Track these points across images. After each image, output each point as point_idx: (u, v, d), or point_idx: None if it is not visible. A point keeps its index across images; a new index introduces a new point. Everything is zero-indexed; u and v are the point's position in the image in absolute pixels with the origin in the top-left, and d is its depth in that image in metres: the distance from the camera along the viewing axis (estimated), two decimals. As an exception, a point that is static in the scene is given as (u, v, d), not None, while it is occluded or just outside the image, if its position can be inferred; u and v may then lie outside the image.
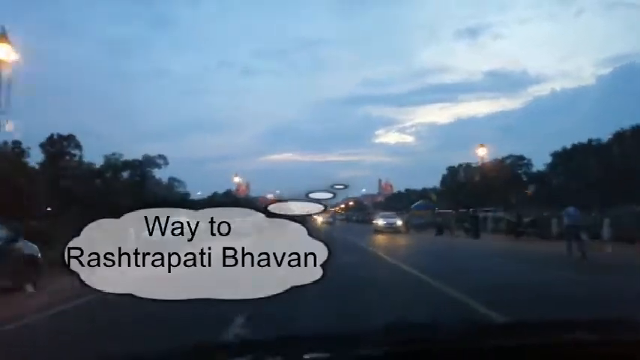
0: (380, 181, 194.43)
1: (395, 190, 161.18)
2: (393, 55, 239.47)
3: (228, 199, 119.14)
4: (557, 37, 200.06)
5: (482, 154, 48.24)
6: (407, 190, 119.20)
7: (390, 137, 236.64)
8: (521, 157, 73.37)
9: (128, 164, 78.23)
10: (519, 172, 72.64)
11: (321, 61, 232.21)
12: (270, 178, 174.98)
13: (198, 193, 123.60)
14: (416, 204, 68.41)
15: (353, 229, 49.35)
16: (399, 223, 40.61)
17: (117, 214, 2.95)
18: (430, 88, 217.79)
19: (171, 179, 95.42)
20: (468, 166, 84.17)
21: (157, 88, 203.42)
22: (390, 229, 38.40)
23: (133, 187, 75.23)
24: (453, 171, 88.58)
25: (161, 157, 79.83)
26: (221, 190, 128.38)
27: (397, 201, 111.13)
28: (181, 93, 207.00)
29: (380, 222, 40.80)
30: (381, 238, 32.91)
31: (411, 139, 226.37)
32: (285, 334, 1.96)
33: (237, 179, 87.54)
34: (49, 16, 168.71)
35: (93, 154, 63.06)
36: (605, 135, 52.25)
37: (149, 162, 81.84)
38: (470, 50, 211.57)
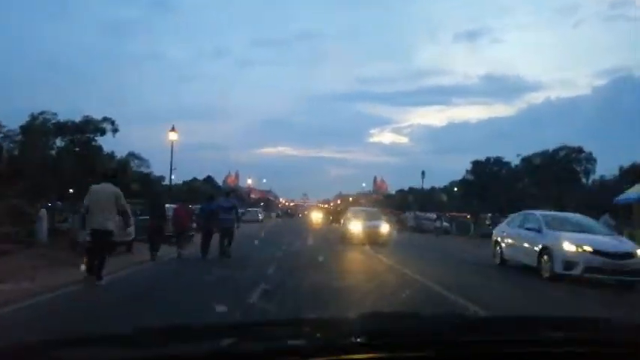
0: (375, 178, 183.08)
1: (389, 190, 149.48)
2: (391, 54, 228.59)
3: (206, 186, 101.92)
4: (555, 45, 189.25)
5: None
6: (410, 188, 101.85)
7: (384, 137, 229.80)
8: (578, 150, 54.97)
9: (61, 127, 58.54)
10: (577, 167, 54.52)
11: (319, 55, 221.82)
12: (261, 170, 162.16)
13: (173, 178, 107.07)
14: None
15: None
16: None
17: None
18: (426, 90, 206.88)
19: (131, 155, 76.08)
20: (499, 160, 67.71)
21: (151, 71, 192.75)
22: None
23: (62, 157, 55.53)
24: (479, 166, 70.17)
25: (107, 120, 60.84)
26: (200, 177, 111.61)
27: (394, 201, 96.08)
28: (175, 78, 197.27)
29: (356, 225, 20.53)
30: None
31: (405, 139, 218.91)
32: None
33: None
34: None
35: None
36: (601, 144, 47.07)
37: (89, 126, 61.52)
38: (467, 54, 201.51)
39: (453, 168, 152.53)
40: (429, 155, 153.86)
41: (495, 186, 65.81)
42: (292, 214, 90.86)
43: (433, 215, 38.78)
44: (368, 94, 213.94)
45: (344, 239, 20.17)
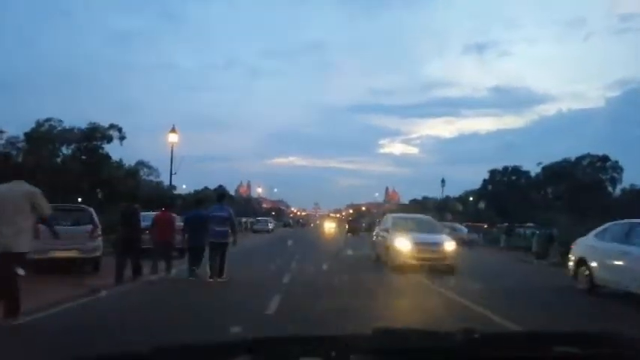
0: (387, 189, 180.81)
1: (401, 200, 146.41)
2: (400, 65, 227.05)
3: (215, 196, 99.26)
4: (565, 58, 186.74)
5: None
6: (424, 197, 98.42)
7: (394, 147, 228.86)
8: (603, 158, 51.54)
9: (66, 134, 56.35)
10: (603, 177, 50.88)
11: (328, 66, 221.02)
12: (273, 180, 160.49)
13: (184, 187, 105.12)
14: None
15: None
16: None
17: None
18: (435, 102, 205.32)
19: (140, 163, 73.62)
20: (517, 169, 64.62)
21: (161, 82, 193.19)
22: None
23: (67, 165, 53.35)
24: (497, 176, 66.99)
25: (114, 127, 58.42)
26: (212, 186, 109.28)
27: (409, 211, 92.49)
28: (185, 88, 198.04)
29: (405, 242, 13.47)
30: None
31: (415, 150, 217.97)
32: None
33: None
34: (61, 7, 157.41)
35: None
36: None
37: (96, 133, 58.99)
38: (476, 66, 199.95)
39: (464, 178, 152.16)
40: (438, 166, 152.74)
41: (513, 195, 62.39)
42: (304, 224, 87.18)
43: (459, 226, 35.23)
44: (378, 106, 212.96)
45: (383, 262, 14.18)
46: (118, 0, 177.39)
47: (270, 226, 44.13)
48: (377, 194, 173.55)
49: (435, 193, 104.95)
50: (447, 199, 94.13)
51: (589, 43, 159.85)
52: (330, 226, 65.75)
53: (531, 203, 60.17)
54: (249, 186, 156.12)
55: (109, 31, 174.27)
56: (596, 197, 46.53)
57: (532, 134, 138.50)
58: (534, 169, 64.54)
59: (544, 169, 57.26)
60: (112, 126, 54.97)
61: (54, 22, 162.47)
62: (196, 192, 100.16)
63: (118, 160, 58.78)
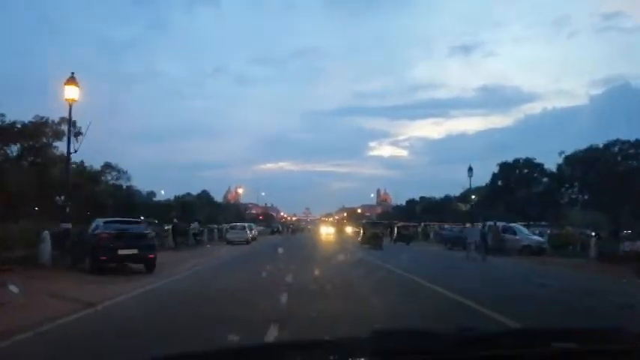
0: (379, 191, 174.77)
1: (393, 202, 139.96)
2: (387, 68, 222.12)
3: (200, 202, 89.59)
4: (550, 57, 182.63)
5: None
6: (421, 198, 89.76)
7: (383, 150, 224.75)
8: (637, 144, 42.58)
9: (5, 131, 46.74)
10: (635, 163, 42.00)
11: (316, 71, 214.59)
12: (262, 186, 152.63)
13: (162, 192, 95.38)
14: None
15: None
16: None
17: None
18: (423, 103, 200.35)
19: (107, 165, 63.80)
20: (530, 161, 56.22)
21: (150, 90, 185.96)
22: None
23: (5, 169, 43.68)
24: (507, 169, 58.18)
25: (65, 120, 48.82)
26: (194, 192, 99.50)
27: (403, 211, 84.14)
28: (173, 96, 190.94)
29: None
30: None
31: (404, 152, 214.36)
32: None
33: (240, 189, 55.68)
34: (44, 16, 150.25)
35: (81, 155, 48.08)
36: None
37: (44, 129, 48.98)
38: (463, 67, 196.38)
39: (453, 178, 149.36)
40: (428, 167, 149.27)
41: (529, 191, 53.88)
42: (295, 229, 76.35)
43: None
44: (366, 109, 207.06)
45: None
46: (107, 10, 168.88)
47: (250, 234, 33.29)
48: (372, 195, 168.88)
49: (426, 193, 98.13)
50: (446, 199, 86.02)
51: (573, 41, 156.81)
52: (327, 232, 56.26)
53: (551, 198, 51.76)
54: (237, 192, 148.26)
55: (95, 40, 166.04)
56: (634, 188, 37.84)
57: (519, 133, 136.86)
58: (548, 161, 56.26)
59: (567, 158, 48.29)
60: (62, 119, 45.58)
61: (43, 31, 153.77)
62: (177, 198, 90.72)
63: (76, 162, 49.46)
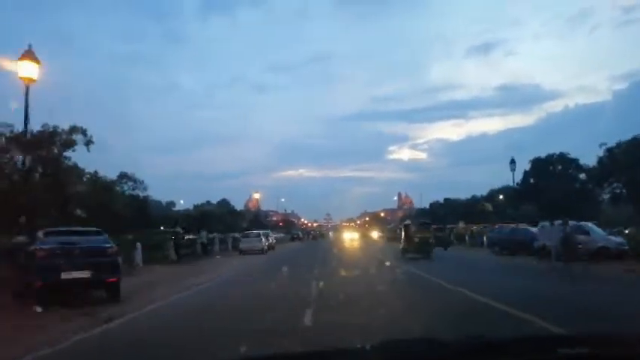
0: (400, 194, 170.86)
1: (415, 205, 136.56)
2: (404, 71, 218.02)
3: (220, 210, 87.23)
4: (571, 53, 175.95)
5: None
6: (446, 199, 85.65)
7: (403, 154, 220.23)
8: None
9: (13, 140, 43.19)
10: None
11: (333, 77, 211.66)
12: (283, 193, 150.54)
13: (181, 202, 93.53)
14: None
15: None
16: None
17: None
18: (442, 105, 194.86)
19: (123, 175, 61.52)
20: (564, 156, 52.16)
21: (168, 103, 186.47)
22: None
23: (26, 180, 40.41)
24: (540, 165, 54.00)
25: (76, 129, 46.55)
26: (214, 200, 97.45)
27: (428, 214, 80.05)
28: (191, 107, 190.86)
29: None
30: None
31: (424, 155, 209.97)
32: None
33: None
34: (64, 32, 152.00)
35: (102, 167, 46.19)
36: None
37: (54, 138, 45.84)
38: (482, 67, 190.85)
39: (473, 180, 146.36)
40: (448, 169, 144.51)
41: (561, 187, 49.66)
42: (316, 236, 72.40)
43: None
44: (384, 113, 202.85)
45: None
46: (122, 25, 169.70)
47: (266, 242, 29.05)
48: (394, 199, 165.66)
49: (447, 195, 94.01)
50: (473, 200, 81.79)
51: (593, 36, 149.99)
52: (351, 238, 52.35)
53: (590, 195, 47.44)
54: (256, 199, 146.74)
55: (114, 53, 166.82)
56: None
57: (541, 131, 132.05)
58: (583, 156, 51.94)
59: (608, 151, 43.85)
60: (73, 128, 43.32)
61: (58, 45, 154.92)
62: (196, 207, 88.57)
63: (91, 171, 47.26)
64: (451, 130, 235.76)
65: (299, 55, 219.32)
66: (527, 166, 55.20)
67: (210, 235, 27.67)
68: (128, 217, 54.05)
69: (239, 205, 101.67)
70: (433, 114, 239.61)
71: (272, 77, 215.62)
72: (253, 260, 20.93)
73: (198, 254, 22.48)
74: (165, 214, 76.70)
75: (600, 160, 44.46)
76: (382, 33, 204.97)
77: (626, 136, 39.69)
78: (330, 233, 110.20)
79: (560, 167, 54.56)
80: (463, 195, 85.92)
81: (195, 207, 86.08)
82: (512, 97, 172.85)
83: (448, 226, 53.51)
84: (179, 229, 22.24)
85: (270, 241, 33.42)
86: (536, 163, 53.64)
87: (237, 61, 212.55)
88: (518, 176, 59.03)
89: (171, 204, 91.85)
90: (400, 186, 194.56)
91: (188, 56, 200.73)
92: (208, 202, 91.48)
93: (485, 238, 29.51)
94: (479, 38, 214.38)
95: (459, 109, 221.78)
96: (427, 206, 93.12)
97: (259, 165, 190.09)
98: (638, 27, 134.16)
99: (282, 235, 68.81)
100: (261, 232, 31.14)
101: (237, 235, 35.15)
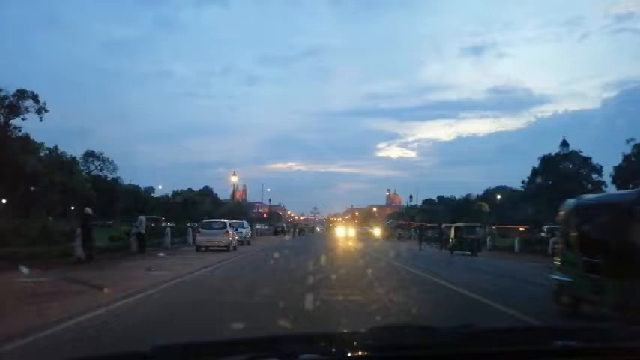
0: (388, 191, 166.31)
1: (402, 203, 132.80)
2: (397, 69, 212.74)
3: (200, 198, 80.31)
4: (562, 59, 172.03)
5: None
6: (438, 197, 79.93)
7: (392, 152, 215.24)
8: None
9: None
10: None
11: (325, 72, 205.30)
12: (271, 186, 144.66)
13: (159, 187, 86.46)
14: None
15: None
16: None
17: None
18: (433, 105, 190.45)
19: (90, 154, 54.85)
20: (576, 154, 46.93)
21: (158, 90, 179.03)
22: None
23: None
24: (550, 163, 48.17)
25: (24, 93, 39.94)
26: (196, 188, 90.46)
27: (425, 212, 74.22)
28: (183, 97, 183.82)
29: None
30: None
31: (413, 154, 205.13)
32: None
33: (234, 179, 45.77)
34: (51, 16, 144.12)
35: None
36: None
37: None
38: (473, 68, 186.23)
39: (462, 180, 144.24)
40: (437, 169, 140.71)
41: (574, 187, 44.03)
42: (302, 230, 64.85)
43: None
44: (375, 110, 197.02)
45: None
46: (113, 10, 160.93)
47: (234, 235, 21.46)
48: (381, 196, 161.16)
49: (435, 194, 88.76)
50: (466, 199, 76.08)
51: (585, 43, 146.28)
52: (345, 235, 44.94)
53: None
54: (244, 191, 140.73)
55: (104, 40, 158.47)
56: None
57: (531, 134, 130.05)
58: (596, 156, 46.55)
59: (637, 147, 38.17)
60: (21, 92, 36.23)
61: (49, 31, 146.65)
62: (175, 193, 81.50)
63: (37, 142, 40.04)
64: (441, 130, 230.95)
65: (292, 49, 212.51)
66: (536, 164, 49.57)
67: (149, 224, 20.87)
68: (96, 199, 47.25)
69: (225, 196, 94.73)
70: (424, 113, 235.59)
71: (264, 69, 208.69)
72: (208, 262, 13.91)
73: (132, 250, 15.87)
74: (142, 198, 69.82)
75: (626, 158, 38.66)
76: (376, 30, 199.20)
77: (616, 141, 34.58)
78: (318, 228, 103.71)
79: (570, 166, 49.08)
80: (453, 194, 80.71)
81: (175, 193, 79.35)
82: (503, 100, 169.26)
83: (443, 225, 47.81)
84: (88, 211, 14.19)
85: (244, 233, 26.37)
86: (547, 160, 47.88)
87: (230, 51, 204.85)
88: (519, 177, 53.46)
89: (151, 190, 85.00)
90: (388, 183, 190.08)
91: (180, 44, 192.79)
92: (190, 189, 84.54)
93: (551, 243, 18.35)
94: (471, 40, 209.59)
95: (449, 110, 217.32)
96: (419, 204, 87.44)
97: (248, 156, 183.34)
98: (629, 36, 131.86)
99: (265, 227, 62.18)
100: (227, 221, 21.92)
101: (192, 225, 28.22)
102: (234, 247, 20.43)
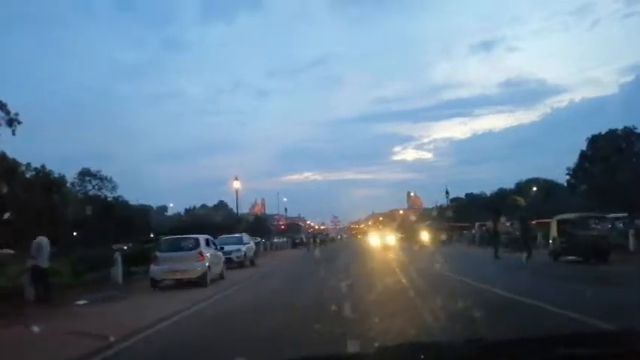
0: (409, 194, 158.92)
1: (424, 205, 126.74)
2: (406, 71, 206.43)
3: (215, 213, 74.81)
4: (574, 47, 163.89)
5: None
6: (467, 194, 72.93)
7: (407, 154, 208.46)
8: None
9: None
10: None
11: (335, 79, 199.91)
12: (288, 197, 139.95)
13: (171, 205, 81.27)
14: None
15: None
16: None
17: None
18: (446, 104, 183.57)
19: (85, 173, 49.54)
20: (631, 132, 39.66)
21: (170, 110, 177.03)
22: None
23: None
24: (603, 142, 40.82)
25: None
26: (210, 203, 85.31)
27: (458, 211, 67.45)
28: (196, 115, 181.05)
29: None
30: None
31: (429, 155, 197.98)
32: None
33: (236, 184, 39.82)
34: (62, 41, 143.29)
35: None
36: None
37: None
38: (484, 64, 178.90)
39: (482, 178, 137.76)
40: (454, 168, 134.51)
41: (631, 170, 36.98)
42: (324, 240, 57.36)
43: None
44: (387, 114, 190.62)
45: None
46: (120, 34, 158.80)
47: (204, 260, 12.94)
48: (401, 199, 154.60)
49: (458, 193, 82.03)
50: (501, 192, 69.29)
51: (597, 29, 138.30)
52: (384, 243, 33.27)
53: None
54: (263, 204, 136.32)
55: (112, 64, 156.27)
56: None
57: (547, 127, 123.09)
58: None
59: None
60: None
61: (58, 58, 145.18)
62: (187, 211, 76.34)
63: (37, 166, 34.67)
64: (456, 129, 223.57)
65: (299, 60, 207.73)
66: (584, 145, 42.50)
67: (116, 246, 14.60)
68: (91, 220, 42.01)
69: (243, 209, 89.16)
70: (437, 113, 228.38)
71: (273, 82, 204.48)
72: (133, 323, 7.34)
73: (27, 298, 9.46)
74: (155, 219, 64.63)
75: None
76: (382, 34, 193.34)
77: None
78: (340, 236, 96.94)
79: (624, 145, 41.87)
80: (483, 190, 73.84)
81: (187, 211, 74.07)
82: (517, 94, 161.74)
83: (477, 223, 40.98)
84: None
85: (244, 251, 19.15)
86: (598, 139, 40.75)
87: (238, 67, 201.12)
88: (546, 168, 46.54)
89: (163, 208, 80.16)
90: (407, 186, 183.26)
91: (188, 63, 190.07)
92: (203, 205, 79.28)
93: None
94: (480, 36, 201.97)
95: (463, 108, 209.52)
96: (445, 204, 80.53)
97: (263, 170, 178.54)
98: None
99: (283, 239, 56.06)
100: (199, 237, 13.84)
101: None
102: (213, 280, 13.17)
